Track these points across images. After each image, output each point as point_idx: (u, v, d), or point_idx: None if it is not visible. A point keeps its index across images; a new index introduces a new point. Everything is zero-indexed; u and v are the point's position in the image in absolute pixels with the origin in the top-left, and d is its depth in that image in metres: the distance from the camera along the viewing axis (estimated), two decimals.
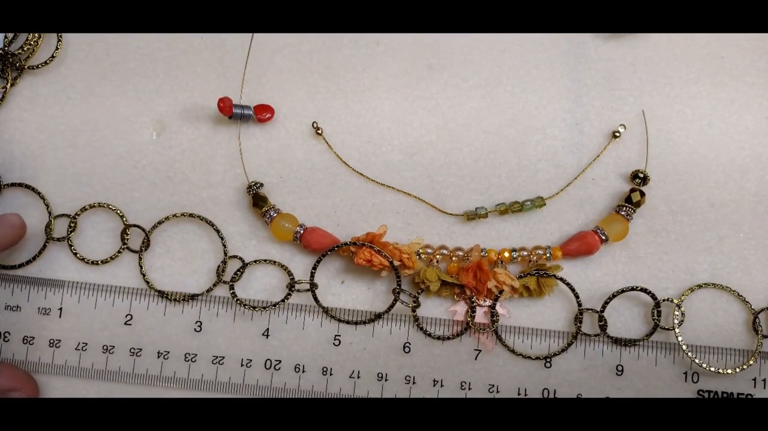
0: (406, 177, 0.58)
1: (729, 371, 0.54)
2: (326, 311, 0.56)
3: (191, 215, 0.57)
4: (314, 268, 0.55)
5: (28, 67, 0.59)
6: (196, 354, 0.55)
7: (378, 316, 0.55)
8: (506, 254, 0.55)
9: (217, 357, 0.55)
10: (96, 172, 0.58)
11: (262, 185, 0.57)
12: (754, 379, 0.54)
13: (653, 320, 0.54)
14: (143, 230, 0.57)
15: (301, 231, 0.56)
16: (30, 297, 0.56)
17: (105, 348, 0.56)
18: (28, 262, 0.57)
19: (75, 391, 0.56)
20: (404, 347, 0.55)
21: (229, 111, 0.56)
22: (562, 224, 0.57)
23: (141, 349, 0.55)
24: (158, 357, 0.55)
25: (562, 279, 0.54)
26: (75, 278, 0.57)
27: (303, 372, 0.55)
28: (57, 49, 0.59)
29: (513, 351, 0.55)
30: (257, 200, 0.56)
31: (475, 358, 0.55)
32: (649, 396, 0.54)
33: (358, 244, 0.54)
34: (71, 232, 0.57)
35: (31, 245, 0.57)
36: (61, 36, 0.59)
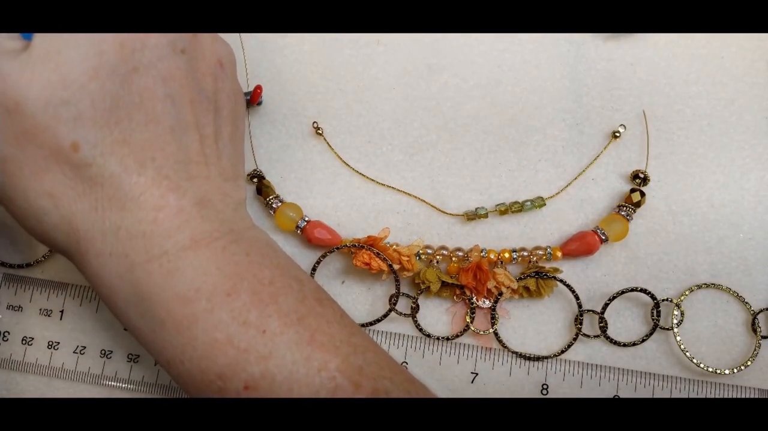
0: (406, 177, 0.58)
1: (728, 371, 0.54)
2: None
3: None
4: (314, 268, 0.55)
5: None
6: None
7: (375, 322, 0.55)
8: (506, 255, 0.55)
9: None
10: None
11: (263, 176, 0.57)
12: None
13: (652, 320, 0.54)
14: None
15: (304, 224, 0.55)
16: (33, 298, 0.56)
17: (103, 352, 0.56)
18: (36, 262, 0.57)
19: (74, 393, 0.55)
20: (404, 347, 0.55)
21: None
22: (562, 224, 0.57)
23: (138, 355, 0.55)
24: (155, 364, 0.55)
25: (562, 281, 0.54)
26: (78, 281, 0.57)
27: None
28: None
29: (513, 352, 0.55)
30: (261, 188, 0.56)
31: (475, 359, 0.55)
32: (649, 397, 0.54)
33: (359, 246, 0.54)
34: None
35: (37, 247, 0.57)
36: None
